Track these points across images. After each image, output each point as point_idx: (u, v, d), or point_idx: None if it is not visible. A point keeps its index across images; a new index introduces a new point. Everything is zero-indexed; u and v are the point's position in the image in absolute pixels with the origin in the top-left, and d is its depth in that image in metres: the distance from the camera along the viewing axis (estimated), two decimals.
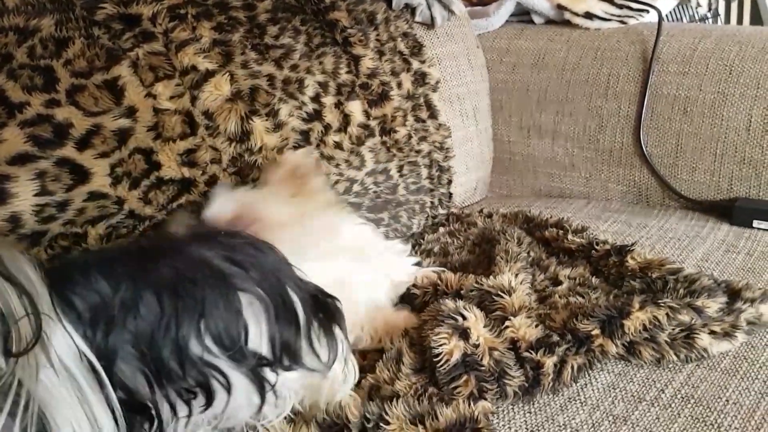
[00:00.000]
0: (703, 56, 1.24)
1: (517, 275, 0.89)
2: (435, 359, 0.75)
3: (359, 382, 0.76)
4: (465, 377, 0.73)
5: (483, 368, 0.74)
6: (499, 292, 0.85)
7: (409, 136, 1.19)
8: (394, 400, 0.70)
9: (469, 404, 0.70)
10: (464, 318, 0.78)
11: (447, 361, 0.74)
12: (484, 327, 0.78)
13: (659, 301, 0.81)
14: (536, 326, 0.80)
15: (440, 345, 0.75)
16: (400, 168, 1.17)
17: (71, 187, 0.81)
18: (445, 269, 0.97)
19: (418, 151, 1.21)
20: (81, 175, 0.81)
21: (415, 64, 1.24)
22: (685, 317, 0.79)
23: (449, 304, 0.81)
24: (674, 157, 1.25)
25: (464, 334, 0.77)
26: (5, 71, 0.78)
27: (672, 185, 1.25)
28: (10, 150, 0.76)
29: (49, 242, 0.79)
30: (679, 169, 1.25)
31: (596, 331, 0.78)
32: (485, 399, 0.73)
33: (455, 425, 0.67)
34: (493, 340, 0.77)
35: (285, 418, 0.69)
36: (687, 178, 1.24)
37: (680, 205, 1.25)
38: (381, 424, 0.67)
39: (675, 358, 0.78)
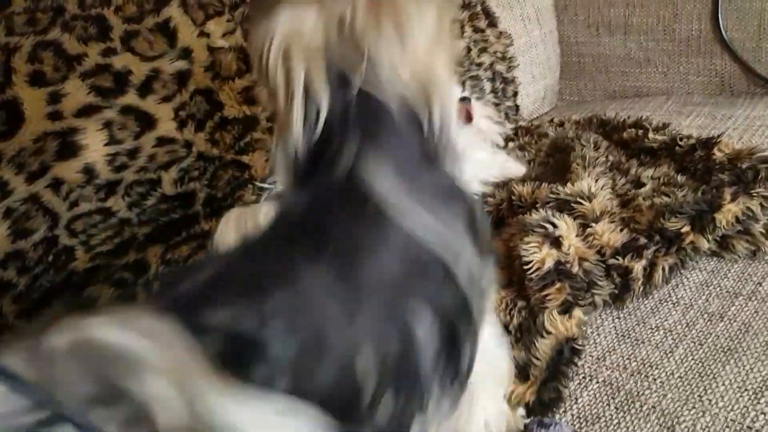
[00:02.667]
0: None
1: (596, 180, 0.86)
2: (525, 267, 0.73)
3: None
4: (558, 284, 0.71)
5: (574, 278, 0.72)
6: (578, 199, 0.82)
7: (469, 49, 1.15)
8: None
9: (565, 316, 0.68)
10: (555, 226, 0.76)
11: (538, 269, 0.72)
12: (576, 236, 0.76)
13: (752, 192, 0.77)
14: (621, 230, 0.77)
15: (531, 253, 0.74)
16: (462, 84, 1.13)
17: (139, 134, 0.81)
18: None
19: (479, 65, 1.16)
20: (147, 121, 0.82)
21: None
22: None
23: (538, 213, 0.79)
24: (757, 39, 1.16)
25: (556, 242, 0.75)
26: (59, 24, 0.78)
27: (757, 70, 1.17)
28: (75, 103, 0.77)
29: (125, 190, 0.81)
30: (764, 53, 1.17)
31: (686, 228, 0.75)
32: (578, 305, 0.71)
33: (554, 356, 0.65)
34: (584, 250, 0.75)
35: None
36: None
37: (767, 91, 1.17)
38: None
39: None
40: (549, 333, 0.67)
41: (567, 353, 0.65)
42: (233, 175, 0.89)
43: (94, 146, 0.78)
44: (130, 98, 0.81)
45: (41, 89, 0.76)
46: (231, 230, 0.81)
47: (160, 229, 0.83)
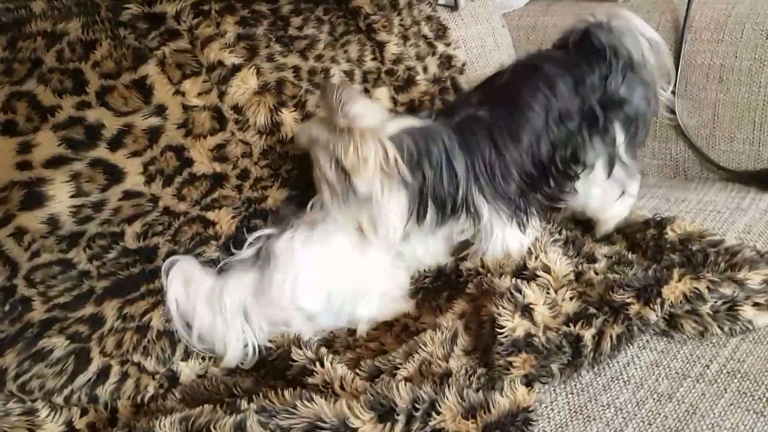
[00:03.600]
0: (737, 22, 1.20)
1: (555, 253, 0.88)
2: (497, 330, 0.75)
3: (411, 355, 0.76)
4: (524, 355, 0.73)
5: (541, 352, 0.74)
6: (539, 271, 0.84)
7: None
8: (446, 385, 0.70)
9: (525, 388, 0.70)
10: (524, 295, 0.78)
11: (508, 336, 0.75)
12: (544, 304, 0.78)
13: (699, 274, 0.80)
14: (572, 300, 0.80)
15: (504, 320, 0.76)
16: None
17: (106, 187, 0.82)
18: None
19: None
20: (115, 174, 0.83)
21: (441, 48, 1.22)
22: (726, 290, 0.78)
23: (506, 281, 0.82)
24: (711, 127, 1.22)
25: (526, 309, 0.77)
26: (36, 76, 0.79)
27: (710, 157, 1.22)
28: (44, 153, 0.78)
29: (87, 242, 0.80)
30: (717, 140, 1.22)
31: (631, 299, 0.77)
32: (539, 381, 0.73)
33: (508, 415, 0.66)
34: (551, 320, 0.77)
35: (329, 390, 0.71)
36: (725, 149, 1.21)
37: (719, 177, 1.22)
38: (432, 413, 0.67)
39: (718, 330, 0.76)
40: (507, 396, 0.68)
41: (521, 420, 0.67)
42: (197, 231, 0.89)
43: (60, 197, 0.78)
44: (101, 151, 0.82)
45: (12, 138, 0.76)
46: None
47: (119, 282, 0.83)
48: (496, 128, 0.88)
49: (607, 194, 0.97)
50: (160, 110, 0.87)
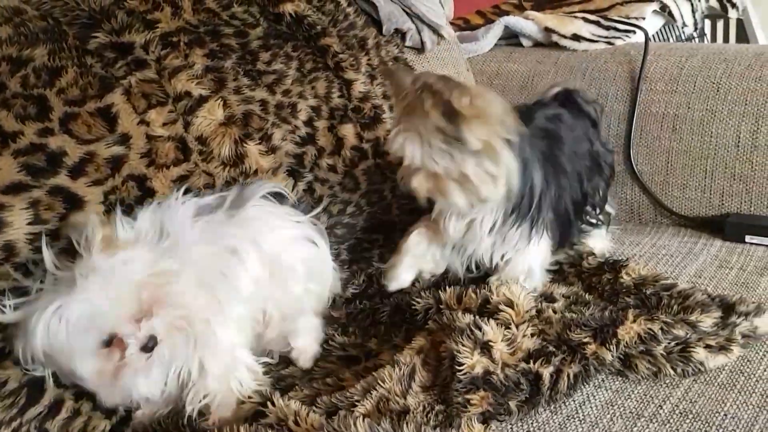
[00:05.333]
0: (690, 74, 1.26)
1: (519, 287, 0.89)
2: (457, 367, 0.75)
3: (369, 392, 0.76)
4: (482, 393, 0.74)
5: (498, 390, 0.74)
6: (501, 305, 0.85)
7: None
8: (404, 422, 0.70)
9: (482, 426, 0.70)
10: (483, 332, 0.79)
11: (467, 373, 0.75)
12: (502, 341, 0.79)
13: (653, 316, 0.82)
14: (532, 336, 0.81)
15: (464, 357, 0.76)
16: (393, 189, 1.17)
17: (64, 216, 0.80)
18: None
19: None
20: (74, 203, 0.81)
21: None
22: (679, 332, 0.80)
23: (466, 317, 0.82)
24: (665, 174, 1.26)
25: (485, 347, 0.78)
26: None
27: (663, 202, 1.26)
28: (3, 179, 0.76)
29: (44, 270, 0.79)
30: (670, 186, 1.26)
31: (588, 338, 0.79)
32: (497, 419, 0.73)
33: None
34: (510, 357, 0.78)
35: (283, 427, 0.70)
36: (678, 195, 1.25)
37: (672, 222, 1.26)
38: None
39: (671, 371, 0.78)
40: None
41: None
42: None
43: (18, 224, 0.76)
44: (61, 179, 0.80)
45: None
46: None
47: None
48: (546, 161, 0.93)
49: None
50: (124, 139, 0.87)
